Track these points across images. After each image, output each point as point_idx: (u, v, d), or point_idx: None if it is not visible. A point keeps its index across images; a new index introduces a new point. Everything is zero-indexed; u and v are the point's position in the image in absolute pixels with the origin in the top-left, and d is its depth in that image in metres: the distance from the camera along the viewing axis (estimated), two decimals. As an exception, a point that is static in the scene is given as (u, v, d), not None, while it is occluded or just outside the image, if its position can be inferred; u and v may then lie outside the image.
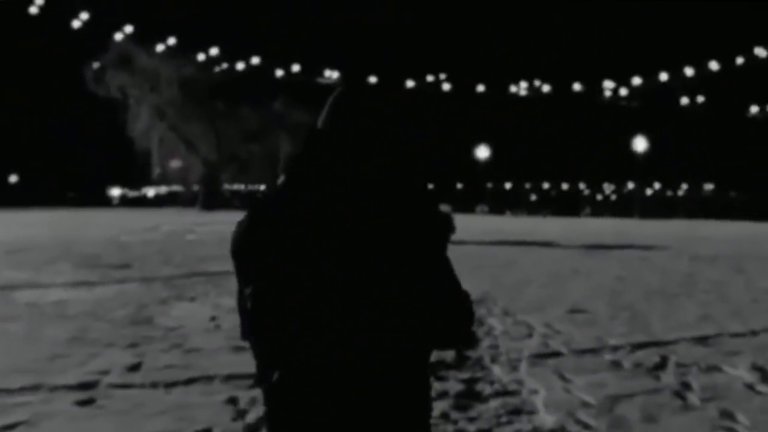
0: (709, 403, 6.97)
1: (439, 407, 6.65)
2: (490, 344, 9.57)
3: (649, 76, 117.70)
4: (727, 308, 12.76)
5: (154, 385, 7.28)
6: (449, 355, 8.83)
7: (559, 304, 13.02)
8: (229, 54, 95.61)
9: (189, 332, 10.20)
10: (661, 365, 8.48)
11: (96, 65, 68.21)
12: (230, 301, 13.26)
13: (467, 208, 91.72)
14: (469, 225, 39.82)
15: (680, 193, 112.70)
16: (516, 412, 6.67)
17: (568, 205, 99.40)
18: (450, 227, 3.74)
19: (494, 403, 6.91)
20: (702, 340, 9.86)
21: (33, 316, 11.29)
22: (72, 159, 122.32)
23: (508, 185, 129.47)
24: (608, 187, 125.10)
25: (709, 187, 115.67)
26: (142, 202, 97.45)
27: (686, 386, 7.56)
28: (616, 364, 8.52)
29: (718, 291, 15.14)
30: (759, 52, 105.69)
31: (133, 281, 16.00)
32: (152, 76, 69.25)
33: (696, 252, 25.94)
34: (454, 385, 7.51)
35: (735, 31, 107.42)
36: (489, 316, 11.81)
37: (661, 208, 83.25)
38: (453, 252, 2.36)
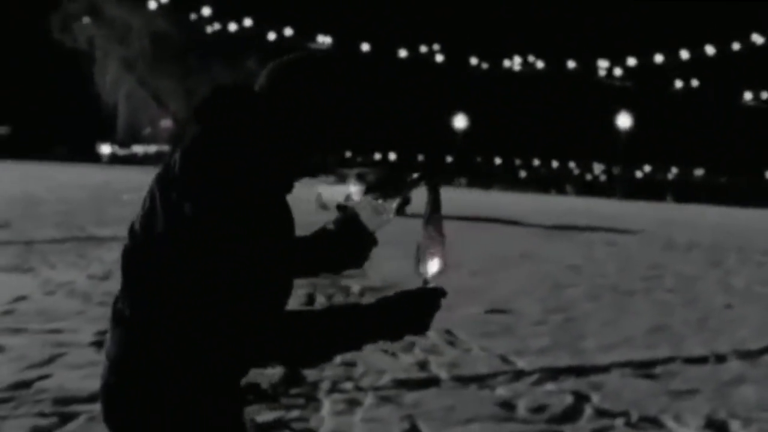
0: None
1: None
2: (341, 361, 6.69)
3: (644, 58, 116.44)
4: (692, 316, 9.88)
5: None
6: (273, 375, 5.99)
7: (479, 300, 10.11)
8: (221, 14, 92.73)
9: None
10: (573, 412, 5.63)
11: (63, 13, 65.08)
12: (68, 276, 10.48)
13: (448, 180, 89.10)
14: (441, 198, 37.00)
15: (669, 176, 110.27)
16: None
17: (554, 183, 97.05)
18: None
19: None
20: (645, 367, 7.00)
21: None
22: (64, 112, 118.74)
23: (497, 160, 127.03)
24: (598, 167, 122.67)
25: (699, 172, 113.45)
26: (131, 161, 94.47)
27: (597, 460, 4.74)
28: (507, 407, 5.68)
29: (685, 290, 12.22)
30: (756, 38, 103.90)
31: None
32: (122, 27, 66.05)
33: (671, 239, 23.09)
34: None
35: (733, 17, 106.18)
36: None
37: (648, 191, 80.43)
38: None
